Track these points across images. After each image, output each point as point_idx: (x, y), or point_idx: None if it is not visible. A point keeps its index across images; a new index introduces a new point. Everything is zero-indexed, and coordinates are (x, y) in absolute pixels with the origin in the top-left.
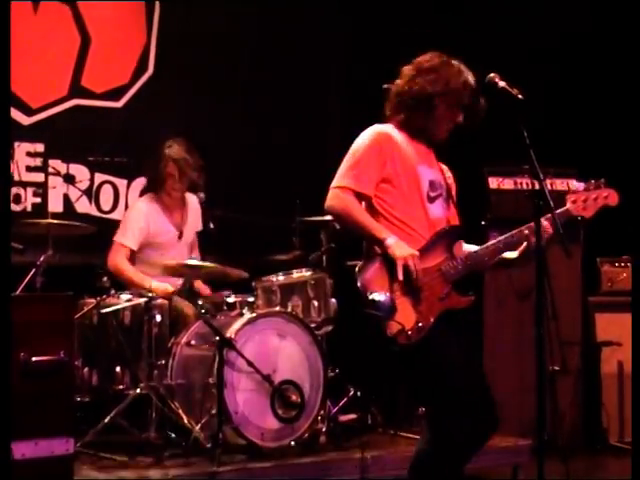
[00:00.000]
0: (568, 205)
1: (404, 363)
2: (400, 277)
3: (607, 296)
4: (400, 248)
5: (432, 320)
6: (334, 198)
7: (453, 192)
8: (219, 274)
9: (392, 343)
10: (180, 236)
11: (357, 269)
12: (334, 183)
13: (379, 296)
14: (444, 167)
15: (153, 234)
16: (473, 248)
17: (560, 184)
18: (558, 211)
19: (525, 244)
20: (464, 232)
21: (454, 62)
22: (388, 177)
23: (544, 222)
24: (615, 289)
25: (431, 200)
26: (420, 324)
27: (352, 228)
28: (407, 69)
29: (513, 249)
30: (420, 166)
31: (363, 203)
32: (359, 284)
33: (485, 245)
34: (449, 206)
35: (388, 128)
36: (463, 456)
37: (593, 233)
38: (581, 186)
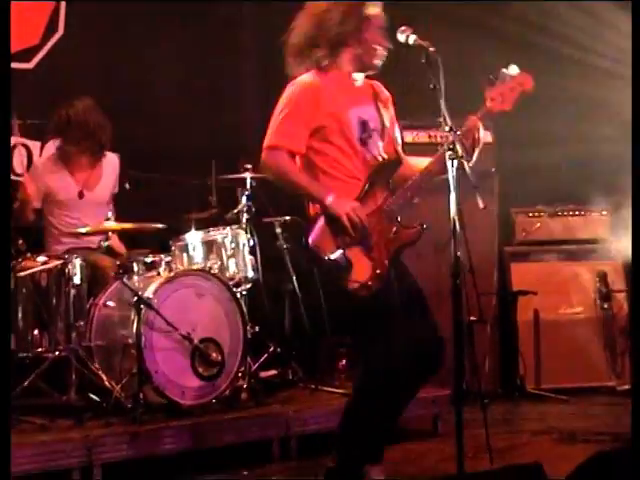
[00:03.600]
0: (487, 104)
1: (363, 313)
2: (350, 233)
3: (522, 246)
4: (340, 204)
5: (387, 263)
6: (268, 159)
7: (390, 118)
8: (136, 231)
9: (355, 298)
10: (81, 195)
11: (304, 231)
12: (266, 142)
13: (333, 255)
14: (376, 85)
15: (53, 191)
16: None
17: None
18: (479, 113)
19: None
20: (398, 160)
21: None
22: (317, 128)
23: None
24: (529, 239)
25: (364, 142)
26: (378, 271)
27: (290, 189)
28: (305, 15)
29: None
30: (350, 110)
31: (297, 159)
32: (310, 246)
33: (419, 171)
34: (384, 138)
35: (312, 78)
36: (405, 380)
37: (507, 184)
38: (494, 78)
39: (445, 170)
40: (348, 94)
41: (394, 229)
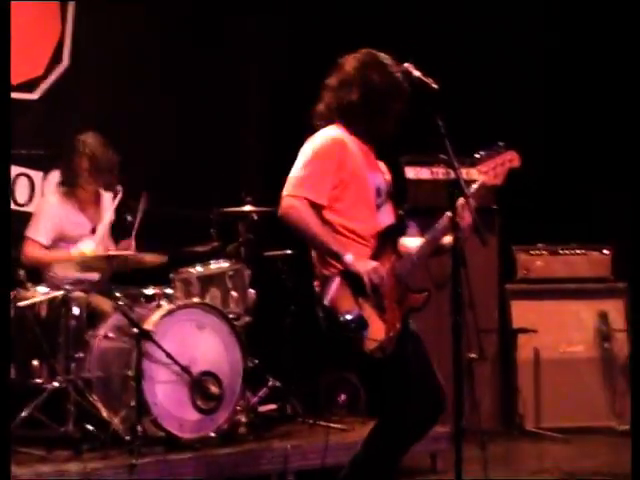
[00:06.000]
0: (481, 178)
1: (377, 372)
2: (369, 292)
3: (523, 283)
4: (361, 263)
5: (399, 326)
6: (290, 207)
7: (390, 190)
8: (136, 262)
9: (369, 358)
10: (93, 231)
11: (317, 290)
12: (289, 191)
13: (350, 315)
14: (381, 165)
15: (66, 228)
16: (411, 241)
17: (475, 174)
18: (474, 187)
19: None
20: (401, 227)
21: (386, 55)
22: (339, 184)
23: (461, 207)
24: (530, 277)
25: (378, 207)
26: (391, 334)
27: (309, 240)
28: (347, 68)
29: (448, 234)
30: (369, 174)
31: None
32: (327, 305)
33: (425, 239)
34: (389, 207)
35: (340, 133)
36: (413, 438)
37: (508, 222)
38: (485, 153)
39: (448, 232)
40: (365, 156)
41: (404, 293)
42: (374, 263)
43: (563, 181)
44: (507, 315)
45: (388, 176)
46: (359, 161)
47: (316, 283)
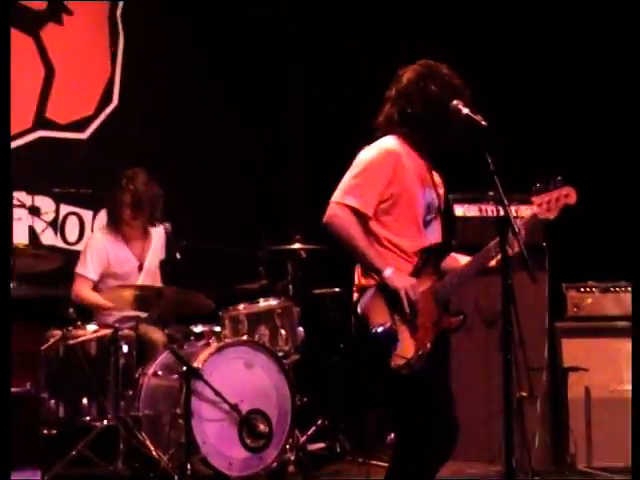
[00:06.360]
0: (535, 209)
1: (398, 387)
2: (406, 309)
3: (573, 321)
4: (400, 279)
5: (429, 346)
6: (335, 215)
7: (443, 204)
8: (186, 302)
9: (395, 374)
10: (140, 267)
11: (355, 299)
12: (336, 197)
13: (382, 328)
14: (436, 176)
15: (113, 264)
16: (459, 260)
17: (525, 210)
18: (525, 217)
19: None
20: (449, 245)
21: (445, 65)
22: (389, 198)
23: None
24: (581, 314)
25: (427, 224)
26: (420, 352)
27: (349, 250)
28: (405, 79)
29: (492, 259)
30: (420, 189)
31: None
32: (359, 314)
33: (470, 260)
34: (439, 224)
35: (397, 146)
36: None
37: (558, 259)
38: (541, 186)
39: (493, 256)
40: (419, 170)
41: (439, 314)
42: (412, 280)
43: (612, 217)
44: (557, 353)
45: (442, 190)
46: (412, 176)
47: (355, 292)
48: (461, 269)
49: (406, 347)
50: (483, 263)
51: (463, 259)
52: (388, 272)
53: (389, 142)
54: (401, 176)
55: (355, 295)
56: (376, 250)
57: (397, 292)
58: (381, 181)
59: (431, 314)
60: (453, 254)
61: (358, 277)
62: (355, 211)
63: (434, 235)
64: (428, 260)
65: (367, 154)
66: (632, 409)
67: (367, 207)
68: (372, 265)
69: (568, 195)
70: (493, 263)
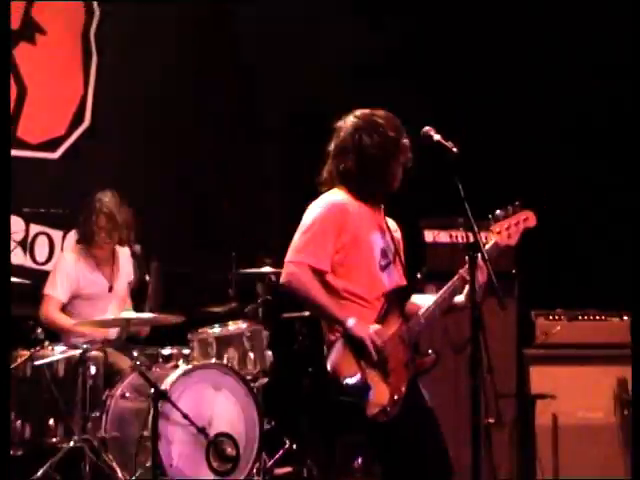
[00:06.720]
0: (495, 238)
1: (380, 433)
2: (374, 356)
3: (541, 349)
4: (362, 327)
5: (404, 390)
6: (292, 274)
7: (400, 248)
8: (154, 323)
9: (373, 422)
10: (110, 289)
11: (325, 355)
12: (290, 257)
13: (352, 380)
14: (390, 222)
15: (83, 286)
16: (422, 300)
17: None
18: (487, 247)
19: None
20: (410, 289)
21: (381, 113)
22: (341, 248)
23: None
24: (549, 342)
25: (383, 269)
26: (395, 397)
27: (310, 307)
28: (342, 133)
29: (459, 294)
30: (372, 235)
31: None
32: (329, 371)
33: (434, 300)
34: (397, 267)
35: (341, 197)
36: None
37: (527, 286)
38: (500, 213)
39: (459, 293)
40: (370, 216)
41: (410, 356)
42: (376, 326)
43: (581, 246)
44: (525, 380)
45: (398, 234)
46: (362, 223)
47: (325, 347)
48: (426, 309)
49: (380, 394)
50: (448, 302)
51: (424, 301)
52: (351, 322)
53: (333, 195)
54: (349, 226)
55: (325, 350)
56: (337, 302)
57: (362, 341)
58: (331, 234)
59: (401, 357)
60: (412, 298)
61: (326, 332)
62: (311, 268)
63: (394, 279)
64: (392, 304)
65: (313, 211)
66: (632, 409)
67: (322, 262)
68: (334, 318)
69: (527, 219)
70: (462, 299)
